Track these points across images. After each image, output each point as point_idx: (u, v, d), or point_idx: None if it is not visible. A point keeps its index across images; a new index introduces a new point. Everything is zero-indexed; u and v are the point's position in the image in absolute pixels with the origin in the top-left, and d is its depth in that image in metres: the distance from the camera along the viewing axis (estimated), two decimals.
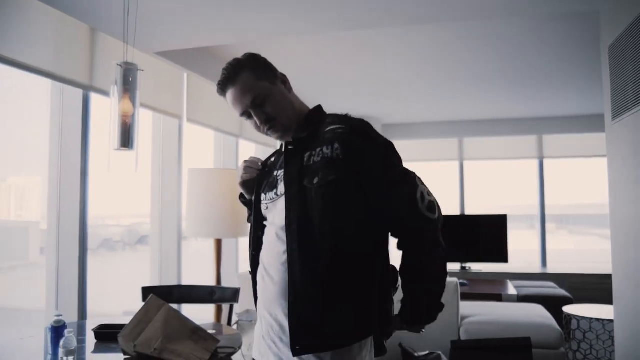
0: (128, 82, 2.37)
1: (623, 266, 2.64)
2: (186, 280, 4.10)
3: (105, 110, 2.40)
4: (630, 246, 2.52)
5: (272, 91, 1.51)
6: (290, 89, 1.58)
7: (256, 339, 1.57)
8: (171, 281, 3.96)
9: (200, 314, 3.60)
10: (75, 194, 3.14)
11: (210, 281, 3.45)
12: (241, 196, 1.72)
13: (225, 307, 2.89)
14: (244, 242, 5.10)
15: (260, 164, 1.65)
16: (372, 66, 4.50)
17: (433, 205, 1.41)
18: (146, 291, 2.69)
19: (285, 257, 1.41)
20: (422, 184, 1.45)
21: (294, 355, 1.36)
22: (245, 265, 5.37)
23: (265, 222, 1.57)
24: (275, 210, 1.51)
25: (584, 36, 3.65)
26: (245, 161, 1.65)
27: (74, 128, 3.20)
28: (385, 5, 2.81)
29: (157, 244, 4.06)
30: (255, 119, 1.49)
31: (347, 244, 1.38)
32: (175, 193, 4.10)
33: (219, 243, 3.46)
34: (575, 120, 6.64)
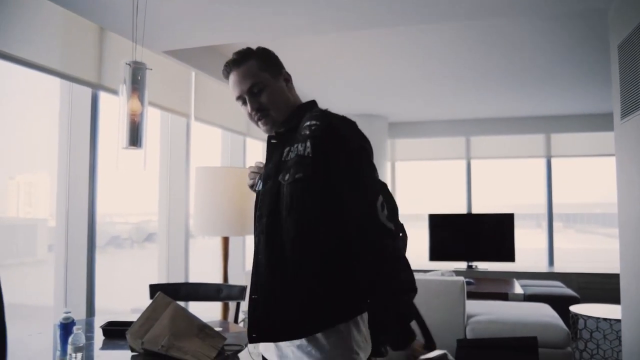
0: (137, 80, 2.38)
1: (631, 265, 2.63)
2: (193, 278, 4.12)
3: (114, 109, 2.42)
4: (638, 245, 2.51)
5: (271, 84, 1.55)
6: (291, 88, 1.62)
7: None
8: (178, 279, 3.98)
9: (207, 312, 3.62)
10: (84, 192, 3.16)
11: (218, 279, 3.46)
12: None
13: (232, 304, 2.90)
14: (251, 240, 5.11)
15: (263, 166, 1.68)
16: (379, 65, 4.49)
17: (393, 215, 1.41)
18: (154, 288, 2.70)
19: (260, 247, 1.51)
20: (388, 195, 1.49)
21: (250, 342, 1.48)
22: (249, 263, 5.39)
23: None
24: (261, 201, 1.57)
25: (593, 34, 3.63)
26: (250, 167, 1.72)
27: (83, 126, 3.22)
28: (394, 5, 2.81)
29: (164, 241, 4.08)
30: (249, 105, 1.54)
31: (308, 236, 1.39)
32: (183, 191, 4.12)
33: (226, 241, 3.47)
34: (584, 119, 6.60)
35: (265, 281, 1.45)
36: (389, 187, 1.66)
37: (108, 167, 3.31)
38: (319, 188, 1.38)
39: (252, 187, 1.70)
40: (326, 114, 1.49)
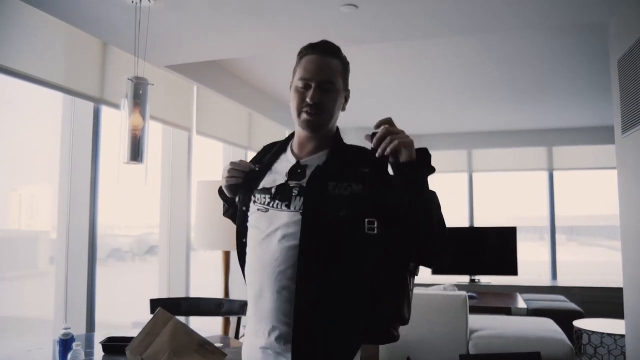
0: (138, 95, 2.40)
1: (633, 279, 2.61)
2: (194, 292, 4.11)
3: (116, 123, 2.43)
4: (639, 258, 2.50)
5: (339, 92, 1.51)
6: (344, 109, 1.59)
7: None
8: (179, 292, 3.97)
9: (208, 327, 3.60)
10: (85, 205, 3.16)
11: (218, 293, 3.45)
12: (221, 192, 1.71)
13: (233, 319, 2.89)
14: None
15: (252, 167, 1.59)
16: (381, 77, 4.51)
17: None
18: (154, 303, 2.69)
19: (289, 272, 1.39)
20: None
21: None
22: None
23: (252, 226, 1.51)
24: (276, 219, 1.45)
25: (594, 48, 3.64)
26: (232, 163, 1.60)
27: (85, 140, 3.23)
28: (398, 21, 2.83)
29: (165, 255, 4.07)
30: (311, 93, 1.45)
31: (350, 271, 1.40)
32: (184, 204, 4.12)
33: (227, 255, 3.46)
34: (585, 132, 6.61)
35: (310, 311, 1.39)
36: None
37: (109, 180, 3.32)
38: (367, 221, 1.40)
39: (230, 187, 1.60)
40: (371, 154, 1.49)
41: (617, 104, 2.72)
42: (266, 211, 1.47)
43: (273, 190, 1.48)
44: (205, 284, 4.78)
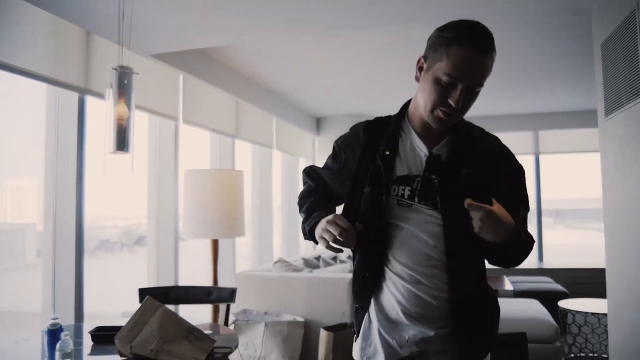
0: (123, 85, 2.38)
1: (615, 260, 2.66)
2: (183, 281, 4.12)
3: (101, 113, 2.41)
4: (622, 240, 2.55)
5: (483, 88, 1.38)
6: None
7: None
8: (168, 282, 3.98)
9: (198, 315, 3.62)
10: (71, 196, 3.15)
11: (208, 281, 3.46)
12: (308, 232, 1.53)
13: (222, 307, 2.91)
14: (241, 242, 5.11)
15: (361, 228, 1.41)
16: (368, 65, 4.51)
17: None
18: (143, 292, 2.70)
19: (438, 269, 1.40)
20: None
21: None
22: (242, 265, 5.39)
23: (394, 220, 1.43)
24: (417, 216, 1.41)
25: (579, 32, 3.66)
26: (337, 224, 1.35)
27: (70, 131, 3.20)
28: (379, 7, 2.83)
29: (153, 245, 4.07)
30: (457, 95, 1.32)
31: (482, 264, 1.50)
32: (172, 194, 4.11)
33: (215, 243, 3.47)
34: (571, 116, 6.66)
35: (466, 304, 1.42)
36: None
37: (96, 171, 3.30)
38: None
39: (334, 249, 1.40)
40: (496, 137, 1.55)
41: (600, 87, 2.75)
42: (410, 206, 1.42)
43: (416, 185, 1.42)
44: (195, 273, 4.79)
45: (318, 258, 4.60)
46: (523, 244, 1.39)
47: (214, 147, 4.96)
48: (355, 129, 1.59)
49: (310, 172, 1.70)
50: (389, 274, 1.43)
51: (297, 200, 1.69)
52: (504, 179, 1.44)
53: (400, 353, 1.42)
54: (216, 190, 3.34)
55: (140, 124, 3.98)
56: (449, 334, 1.39)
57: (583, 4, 2.85)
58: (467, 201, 1.28)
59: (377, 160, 1.45)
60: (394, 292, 1.42)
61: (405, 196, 1.41)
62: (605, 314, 3.87)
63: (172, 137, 4.16)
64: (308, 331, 3.73)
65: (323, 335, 3.45)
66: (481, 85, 1.34)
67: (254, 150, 5.84)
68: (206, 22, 3.02)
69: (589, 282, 5.83)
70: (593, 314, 4.03)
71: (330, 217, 1.38)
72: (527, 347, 3.17)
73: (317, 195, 1.63)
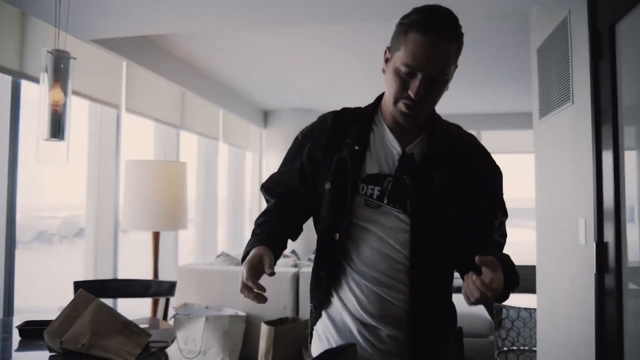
0: (59, 69, 2.29)
1: (545, 257, 2.79)
2: (123, 274, 4.02)
3: (37, 98, 2.31)
4: (551, 238, 2.67)
5: (448, 80, 1.27)
6: (447, 88, 1.34)
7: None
8: (107, 275, 3.87)
9: (137, 309, 3.54)
10: (3, 185, 3.00)
11: (149, 275, 3.40)
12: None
13: (162, 301, 2.86)
14: (183, 235, 5.03)
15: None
16: (315, 59, 4.52)
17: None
18: (78, 285, 2.62)
19: (402, 274, 1.32)
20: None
21: None
22: (185, 258, 5.30)
23: (359, 221, 1.33)
24: (385, 219, 1.32)
25: (519, 37, 3.79)
26: (244, 274, 1.22)
27: (3, 116, 3.06)
28: (330, 3, 2.84)
29: (92, 236, 3.95)
30: (417, 86, 1.21)
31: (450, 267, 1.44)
32: (113, 184, 3.99)
33: (156, 236, 3.41)
34: (512, 117, 6.90)
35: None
36: None
37: (31, 160, 3.16)
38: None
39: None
40: (471, 135, 1.46)
41: (535, 90, 2.87)
42: (378, 207, 1.32)
43: (387, 185, 1.32)
44: (136, 266, 4.68)
45: None
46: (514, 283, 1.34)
47: (158, 138, 4.85)
48: (322, 117, 1.46)
49: (269, 188, 1.51)
50: (350, 273, 1.34)
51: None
52: (481, 182, 1.37)
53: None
54: (158, 181, 3.28)
55: (80, 111, 3.85)
56: (405, 338, 1.35)
57: (522, 9, 2.95)
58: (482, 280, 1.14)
59: (342, 153, 1.34)
60: (356, 292, 1.33)
61: (375, 196, 1.31)
62: (536, 309, 4.05)
63: (114, 125, 4.04)
64: (249, 326, 3.72)
65: (264, 329, 3.45)
66: (445, 74, 1.22)
67: (199, 142, 5.75)
68: (152, 7, 2.94)
69: (524, 278, 6.06)
70: (525, 309, 4.20)
71: (247, 259, 1.25)
72: (462, 341, 3.27)
73: (270, 215, 1.44)
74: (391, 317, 1.32)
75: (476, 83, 5.29)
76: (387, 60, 1.31)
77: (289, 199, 1.46)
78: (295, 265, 4.16)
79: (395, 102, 1.27)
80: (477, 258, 1.12)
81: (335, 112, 1.45)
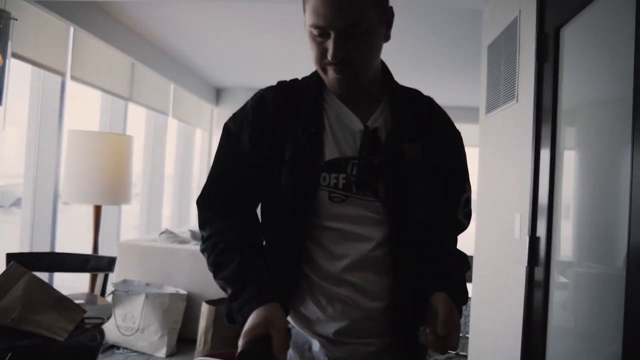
0: None
1: (481, 248, 2.90)
2: (62, 248, 3.90)
3: None
4: (487, 230, 2.78)
5: (374, 27, 1.04)
6: (388, 36, 1.12)
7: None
8: (44, 248, 3.74)
9: (76, 284, 3.45)
10: None
11: (89, 250, 3.31)
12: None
13: (100, 277, 2.79)
14: (126, 210, 4.91)
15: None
16: (272, 37, 4.47)
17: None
18: (11, 258, 2.52)
19: (380, 275, 1.12)
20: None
21: None
22: (129, 233, 5.19)
23: (324, 221, 1.10)
24: (355, 212, 1.10)
25: (472, 33, 3.87)
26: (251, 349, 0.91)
27: None
28: None
29: (29, 207, 3.80)
30: (332, 47, 1.02)
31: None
32: (54, 154, 3.84)
33: (97, 210, 3.32)
34: (462, 111, 7.05)
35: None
36: None
37: None
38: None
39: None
40: (433, 101, 1.26)
41: (484, 86, 2.95)
42: (344, 200, 1.10)
43: (351, 170, 1.10)
44: (77, 240, 4.55)
45: None
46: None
47: (105, 109, 4.70)
48: (258, 96, 1.19)
49: (210, 204, 1.15)
50: (315, 282, 1.12)
51: (202, 247, 1.14)
52: (446, 152, 1.19)
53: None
54: (103, 154, 3.18)
55: (22, 76, 3.67)
56: (384, 347, 1.15)
57: (476, 6, 3.01)
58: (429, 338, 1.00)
59: (298, 138, 1.09)
60: (322, 304, 1.11)
61: (340, 186, 1.09)
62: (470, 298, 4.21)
63: (58, 93, 3.87)
64: (190, 304, 3.70)
65: (205, 308, 3.44)
66: (360, 23, 1.00)
67: (148, 116, 5.60)
68: None
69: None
70: None
71: (248, 331, 0.93)
72: None
73: (229, 246, 1.08)
74: (366, 332, 1.12)
75: (430, 75, 5.38)
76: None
77: (244, 220, 1.14)
78: None
79: (323, 70, 1.09)
80: (430, 334, 0.99)
81: (273, 89, 1.19)
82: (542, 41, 2.08)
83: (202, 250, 1.13)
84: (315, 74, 1.17)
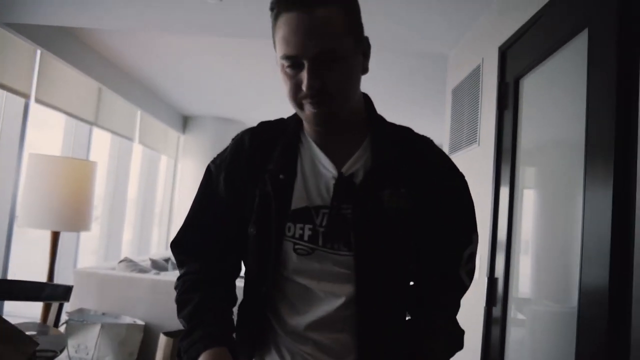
0: None
1: None
2: (15, 275, 3.76)
3: None
4: None
5: (350, 56, 0.97)
6: (366, 69, 1.05)
7: None
8: None
9: (28, 313, 3.33)
10: None
11: (44, 277, 3.20)
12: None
13: (54, 306, 2.70)
14: (85, 237, 4.80)
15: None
16: (241, 68, 4.51)
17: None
18: None
19: (345, 333, 1.04)
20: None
21: None
22: (85, 261, 5.05)
23: (287, 274, 1.05)
24: (321, 267, 1.03)
25: (438, 76, 4.01)
26: None
27: None
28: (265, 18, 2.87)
29: None
30: (306, 77, 0.95)
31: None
32: (12, 177, 3.74)
33: (55, 235, 3.23)
34: None
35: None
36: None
37: None
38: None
39: None
40: (434, 146, 1.16)
41: (447, 128, 3.04)
42: (310, 253, 1.03)
43: (321, 221, 1.02)
44: (31, 267, 4.40)
45: (167, 260, 4.47)
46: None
47: (69, 133, 4.62)
48: (238, 137, 1.14)
49: (183, 246, 1.14)
50: (280, 335, 1.06)
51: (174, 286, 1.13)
52: (446, 197, 1.10)
53: None
54: (63, 179, 3.12)
55: None
56: None
57: (442, 51, 3.13)
58: None
59: (265, 186, 1.04)
60: (284, 356, 1.06)
61: (306, 237, 1.02)
62: None
63: (20, 115, 3.80)
64: (147, 335, 3.60)
65: (162, 340, 3.35)
66: (334, 50, 0.93)
67: (113, 141, 5.52)
68: (74, 1, 2.82)
69: None
70: None
71: None
72: None
73: (194, 285, 1.08)
74: None
75: (398, 114, 5.49)
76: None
77: (220, 261, 1.11)
78: None
79: (300, 106, 1.01)
80: None
81: (251, 130, 1.14)
82: (502, 90, 2.17)
83: (175, 287, 1.12)
84: (295, 114, 1.11)
